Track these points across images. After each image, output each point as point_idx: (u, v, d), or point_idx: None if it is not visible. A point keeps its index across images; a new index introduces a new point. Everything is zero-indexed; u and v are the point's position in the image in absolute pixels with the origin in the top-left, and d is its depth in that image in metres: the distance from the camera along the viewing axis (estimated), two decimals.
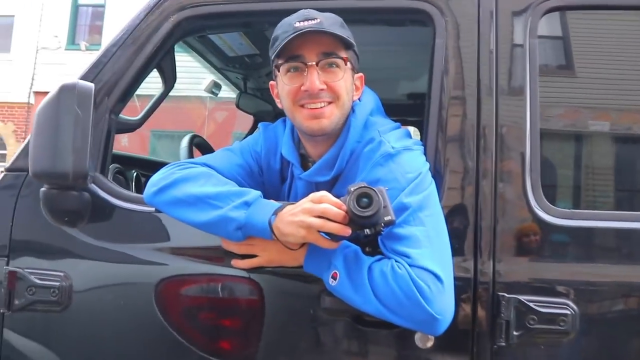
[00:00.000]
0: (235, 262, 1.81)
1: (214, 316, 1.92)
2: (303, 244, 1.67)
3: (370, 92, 2.03)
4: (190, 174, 1.83)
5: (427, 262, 1.57)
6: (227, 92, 3.78)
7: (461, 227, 1.83)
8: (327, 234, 1.58)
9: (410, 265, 1.56)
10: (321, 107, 1.78)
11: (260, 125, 2.15)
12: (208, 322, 1.92)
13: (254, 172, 2.03)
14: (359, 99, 1.92)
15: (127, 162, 2.80)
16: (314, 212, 1.57)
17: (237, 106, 3.71)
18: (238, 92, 3.67)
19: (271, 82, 1.99)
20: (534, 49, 1.90)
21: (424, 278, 1.55)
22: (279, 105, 1.92)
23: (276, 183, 2.06)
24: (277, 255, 1.75)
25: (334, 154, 1.86)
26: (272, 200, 1.73)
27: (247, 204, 1.69)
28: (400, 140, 1.81)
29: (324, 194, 1.61)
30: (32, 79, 18.18)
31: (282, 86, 1.82)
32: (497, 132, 1.87)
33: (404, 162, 1.72)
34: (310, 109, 1.78)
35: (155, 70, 2.21)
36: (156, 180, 1.85)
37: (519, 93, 1.89)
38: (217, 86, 3.68)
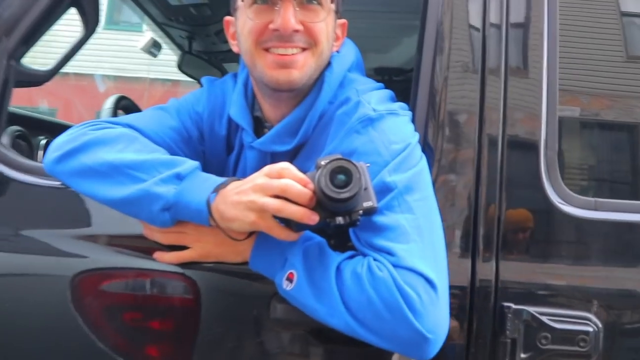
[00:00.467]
0: (158, 255, 1.44)
1: (140, 317, 1.56)
2: (251, 234, 1.34)
3: (351, 43, 1.69)
4: (106, 136, 1.46)
5: (417, 262, 1.24)
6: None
7: (454, 216, 1.50)
8: (285, 220, 1.24)
9: (394, 266, 1.23)
10: (293, 54, 1.45)
11: (203, 80, 1.78)
12: (133, 324, 1.57)
13: (193, 138, 1.67)
14: (337, 50, 1.61)
15: (35, 125, 2.40)
16: (270, 189, 1.22)
17: (179, 68, 3.30)
18: (180, 52, 3.26)
19: (226, 18, 1.64)
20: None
21: (412, 283, 1.22)
22: (235, 49, 1.60)
23: (220, 153, 1.71)
24: (214, 248, 1.40)
25: (299, 115, 1.52)
26: (212, 175, 1.39)
27: (178, 177, 1.35)
28: (383, 102, 1.48)
29: (284, 165, 1.26)
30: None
31: (244, 22, 1.48)
32: (505, 98, 1.54)
33: (388, 129, 1.39)
34: (279, 54, 1.45)
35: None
36: (61, 142, 1.47)
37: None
38: (156, 45, 3.27)
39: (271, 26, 1.44)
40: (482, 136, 1.52)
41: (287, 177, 1.23)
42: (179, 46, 3.29)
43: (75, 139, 1.45)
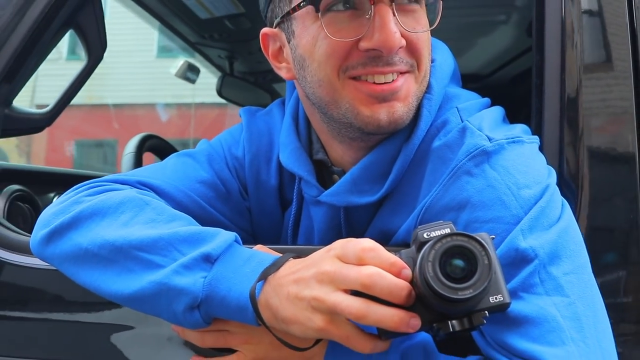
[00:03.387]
0: None
1: None
2: (318, 340, 0.94)
3: (444, 46, 1.25)
4: (105, 204, 1.08)
5: None
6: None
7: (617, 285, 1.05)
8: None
9: None
10: (393, 82, 1.04)
11: (241, 112, 1.37)
12: None
13: (232, 192, 1.28)
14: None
15: (44, 180, 2.01)
16: (344, 282, 0.84)
17: (219, 94, 2.90)
18: (220, 75, 2.91)
19: (264, 31, 1.18)
20: None
21: None
22: (284, 75, 1.18)
23: (273, 210, 1.31)
24: (271, 351, 1.00)
25: (386, 154, 1.11)
26: (259, 247, 1.04)
27: (208, 259, 0.97)
28: (498, 127, 1.07)
29: (367, 245, 0.86)
30: (33, 92, 18.12)
31: (314, 39, 1.06)
32: None
33: (513, 166, 0.99)
34: (375, 84, 1.04)
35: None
36: (49, 214, 1.11)
37: None
38: (192, 69, 2.90)
39: (364, 45, 1.01)
40: None
41: (370, 262, 0.82)
42: (220, 68, 2.95)
43: (65, 210, 1.08)
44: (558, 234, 0.93)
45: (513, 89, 2.78)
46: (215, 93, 2.86)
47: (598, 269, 0.97)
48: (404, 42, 1.02)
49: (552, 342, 0.86)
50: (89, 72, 1.50)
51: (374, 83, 1.03)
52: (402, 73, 1.04)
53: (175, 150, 2.35)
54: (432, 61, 1.14)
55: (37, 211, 1.62)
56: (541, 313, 0.88)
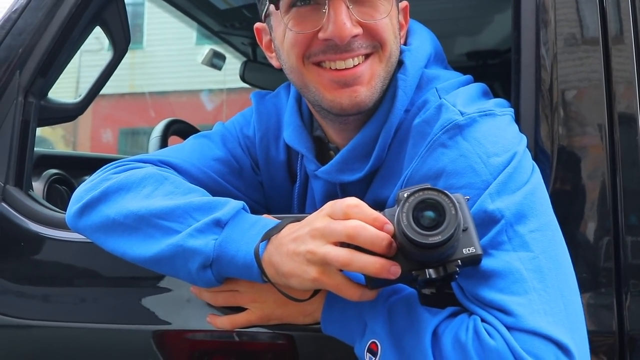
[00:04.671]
0: (212, 319, 1.19)
1: None
2: (316, 291, 1.05)
3: (424, 29, 1.34)
4: (129, 180, 1.20)
5: (542, 321, 0.92)
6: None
7: (585, 245, 1.12)
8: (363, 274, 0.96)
9: (510, 329, 0.92)
10: (355, 67, 1.15)
11: (252, 96, 1.48)
12: None
13: (245, 168, 1.40)
14: (403, 42, 1.27)
15: (78, 164, 2.16)
16: (332, 235, 0.94)
17: (242, 79, 3.00)
18: (242, 62, 3.00)
19: (257, 26, 1.33)
20: None
21: (539, 354, 0.91)
22: (274, 63, 1.31)
23: (283, 183, 1.43)
24: (276, 308, 1.13)
25: (369, 135, 1.21)
26: (265, 215, 1.14)
27: (218, 224, 1.08)
28: (472, 101, 1.15)
29: (351, 202, 0.96)
30: (77, 82, 18.24)
31: (283, 32, 1.19)
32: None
33: (483, 136, 1.06)
34: (336, 70, 1.15)
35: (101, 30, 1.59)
36: (81, 191, 1.24)
37: None
38: (218, 56, 2.98)
39: (321, 35, 1.12)
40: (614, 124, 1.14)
41: (355, 217, 0.92)
42: (245, 54, 3.03)
43: (95, 187, 1.21)
44: (524, 195, 1.00)
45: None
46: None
47: (564, 226, 1.03)
48: (358, 30, 1.12)
49: (516, 291, 0.93)
50: (115, 64, 1.61)
51: (336, 69, 1.13)
52: (366, 56, 1.13)
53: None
54: (409, 45, 1.23)
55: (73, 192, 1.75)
56: (507, 267, 0.95)
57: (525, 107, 1.19)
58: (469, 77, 1.24)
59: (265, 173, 1.41)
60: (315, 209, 1.33)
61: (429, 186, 0.87)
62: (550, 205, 1.04)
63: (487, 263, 0.96)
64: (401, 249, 0.90)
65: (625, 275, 1.10)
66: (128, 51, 1.63)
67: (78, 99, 1.62)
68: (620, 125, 1.14)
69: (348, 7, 1.10)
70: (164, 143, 2.19)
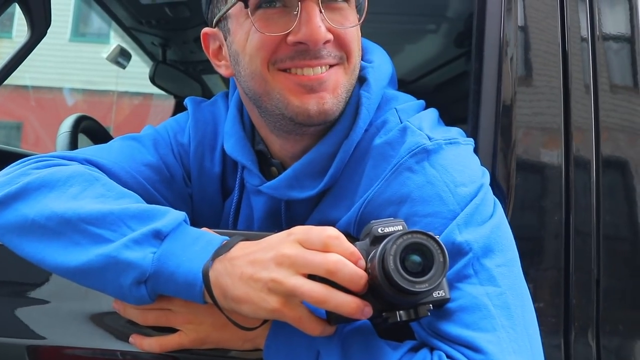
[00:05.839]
0: (136, 340, 1.08)
1: None
2: (265, 320, 0.97)
3: (379, 47, 1.29)
4: (54, 177, 1.07)
5: None
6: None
7: (541, 281, 1.12)
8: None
9: None
10: (321, 74, 1.08)
11: (187, 101, 1.38)
12: None
13: (176, 177, 1.29)
14: (365, 58, 1.22)
15: None
16: (307, 266, 0.87)
17: (152, 81, 2.86)
18: (154, 62, 2.85)
19: (205, 30, 1.23)
20: None
21: None
22: (223, 72, 1.22)
23: (214, 197, 1.33)
24: (213, 332, 1.03)
25: (326, 151, 1.14)
26: (206, 229, 1.04)
27: (157, 236, 0.98)
28: (436, 128, 1.12)
29: (334, 233, 0.89)
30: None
31: (246, 35, 1.10)
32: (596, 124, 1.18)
33: (450, 165, 1.04)
34: (304, 76, 1.08)
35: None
36: None
37: None
38: (124, 55, 2.83)
39: (291, 39, 1.05)
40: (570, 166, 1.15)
41: (334, 249, 0.86)
42: (151, 55, 2.89)
43: (11, 182, 1.06)
44: (491, 229, 0.97)
45: (435, 96, 2.87)
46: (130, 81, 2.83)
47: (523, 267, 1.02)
48: (330, 36, 1.06)
49: (485, 328, 0.90)
50: (30, 48, 1.47)
51: (303, 76, 1.07)
52: (331, 66, 1.08)
53: (109, 135, 2.31)
54: (370, 62, 1.19)
55: None
56: (474, 302, 0.92)
57: (484, 140, 1.17)
58: (422, 101, 1.21)
59: (196, 185, 1.31)
60: (250, 226, 1.24)
61: (418, 230, 0.83)
62: (514, 242, 1.02)
63: (452, 296, 0.92)
64: (372, 288, 0.85)
65: (574, 315, 1.10)
66: None
67: None
68: (576, 168, 1.14)
69: (321, 11, 1.04)
70: (73, 139, 2.01)
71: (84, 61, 13.25)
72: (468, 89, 1.28)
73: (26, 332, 1.13)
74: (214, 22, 1.17)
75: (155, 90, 2.99)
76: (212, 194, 1.31)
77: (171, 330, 1.04)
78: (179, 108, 3.14)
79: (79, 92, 13.69)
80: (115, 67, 2.91)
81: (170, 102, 3.32)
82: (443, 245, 0.82)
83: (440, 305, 0.91)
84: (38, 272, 1.12)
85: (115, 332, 1.11)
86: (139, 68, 3.13)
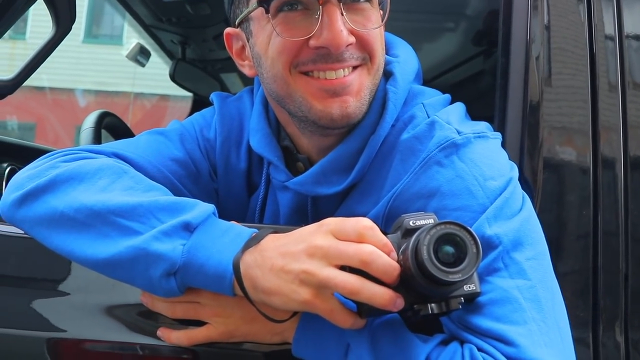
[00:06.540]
0: (164, 333, 1.07)
1: None
2: (295, 312, 0.96)
3: (404, 42, 1.29)
4: (83, 169, 1.07)
5: (544, 354, 0.89)
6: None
7: (567, 277, 1.11)
8: (355, 301, 0.90)
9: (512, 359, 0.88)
10: (344, 77, 1.08)
11: (213, 97, 1.38)
12: None
13: (202, 172, 1.29)
14: (390, 53, 1.22)
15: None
16: (340, 257, 0.87)
17: (172, 78, 2.86)
18: (174, 60, 2.86)
19: (227, 31, 1.23)
20: None
21: None
22: (247, 72, 1.22)
23: (239, 192, 1.33)
24: (242, 325, 1.02)
25: (353, 147, 1.14)
26: (236, 224, 1.02)
27: (187, 228, 0.98)
28: (465, 122, 1.12)
29: (368, 223, 0.88)
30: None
31: (268, 38, 1.10)
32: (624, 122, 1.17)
33: (479, 159, 1.04)
34: (326, 79, 1.07)
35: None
36: (22, 178, 1.10)
37: None
38: (144, 52, 2.85)
39: (313, 43, 1.05)
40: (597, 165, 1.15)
41: (369, 240, 0.85)
42: (170, 54, 2.91)
43: (40, 174, 1.07)
44: (520, 222, 0.97)
45: (453, 95, 2.86)
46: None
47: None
48: (352, 39, 1.05)
49: (516, 321, 0.90)
50: (55, 43, 1.48)
51: (325, 79, 1.07)
52: (354, 67, 1.08)
53: (131, 132, 2.32)
54: (396, 56, 1.19)
55: None
56: (505, 295, 0.92)
57: (511, 136, 1.17)
58: (448, 96, 1.21)
59: (222, 180, 1.31)
60: (276, 222, 1.24)
61: (451, 220, 0.83)
62: (543, 235, 1.02)
63: (482, 290, 0.92)
64: (404, 280, 0.85)
65: (602, 310, 1.10)
66: (8, 40, 1.49)
67: (10, 77, 1.45)
68: (604, 166, 1.14)
69: (342, 14, 1.04)
70: (97, 135, 2.03)
71: (98, 62, 13.34)
72: (486, 87, 1.28)
73: (46, 325, 1.13)
74: (237, 22, 1.17)
75: (171, 91, 3.01)
76: (237, 190, 1.32)
77: (198, 323, 1.04)
78: (196, 107, 3.15)
79: (92, 93, 13.78)
80: (129, 69, 2.92)
81: (185, 103, 3.33)
82: (476, 236, 0.81)
83: (471, 299, 0.90)
84: (57, 264, 1.14)
85: (134, 325, 1.11)
86: (153, 69, 3.15)
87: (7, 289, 1.16)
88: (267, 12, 1.06)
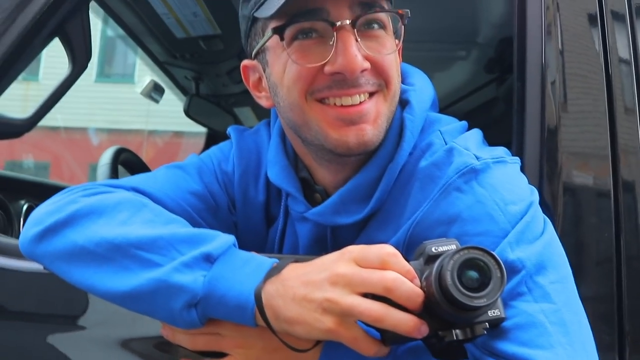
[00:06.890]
0: None
1: None
2: (318, 342, 0.94)
3: (419, 71, 1.29)
4: (103, 204, 1.08)
5: None
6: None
7: (589, 302, 1.07)
8: (378, 329, 0.88)
9: None
10: (361, 104, 1.07)
11: (230, 130, 1.38)
12: None
13: (221, 206, 1.29)
14: (406, 82, 1.22)
15: (15, 187, 1.96)
16: (364, 284, 0.86)
17: (187, 113, 2.88)
18: (188, 95, 2.88)
19: (245, 63, 1.23)
20: None
21: None
22: (264, 103, 1.22)
23: (258, 225, 1.32)
24: (264, 355, 1.00)
25: (371, 176, 1.13)
26: (256, 254, 1.01)
27: (208, 259, 0.97)
28: (482, 148, 1.11)
29: (391, 250, 0.88)
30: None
31: (284, 66, 1.10)
32: None
33: (499, 184, 1.03)
34: (342, 106, 1.07)
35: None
36: (42, 213, 1.10)
37: None
38: (157, 89, 2.86)
39: (328, 69, 1.04)
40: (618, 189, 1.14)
41: (392, 267, 0.85)
42: (183, 89, 2.93)
43: (61, 209, 1.07)
44: (543, 246, 0.96)
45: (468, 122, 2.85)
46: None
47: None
48: (367, 64, 1.05)
49: (542, 345, 0.88)
50: (72, 81, 1.48)
51: (342, 106, 1.06)
52: (371, 94, 1.07)
53: (147, 167, 2.34)
54: (412, 85, 1.19)
55: (9, 216, 1.58)
56: (530, 319, 0.90)
57: (530, 161, 1.17)
58: (465, 122, 1.20)
59: (241, 213, 1.30)
60: (296, 253, 1.23)
61: (474, 245, 0.82)
62: (566, 258, 1.00)
63: (507, 315, 0.90)
64: (427, 306, 0.84)
65: (628, 334, 1.09)
66: (22, 82, 1.51)
67: (27, 115, 1.47)
68: (624, 190, 1.13)
69: (357, 40, 1.04)
70: (114, 171, 2.03)
71: (111, 101, 13.48)
72: (500, 114, 1.28)
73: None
74: (253, 54, 1.18)
75: (184, 127, 3.03)
76: (256, 222, 1.31)
77: (221, 355, 1.02)
78: (210, 142, 3.17)
79: (105, 131, 13.89)
80: (142, 107, 2.95)
81: (199, 139, 3.35)
82: (500, 260, 0.80)
83: (496, 325, 0.89)
84: (75, 299, 1.15)
85: (154, 358, 1.12)
86: (166, 106, 3.17)
87: (27, 324, 1.17)
88: (282, 39, 1.06)
